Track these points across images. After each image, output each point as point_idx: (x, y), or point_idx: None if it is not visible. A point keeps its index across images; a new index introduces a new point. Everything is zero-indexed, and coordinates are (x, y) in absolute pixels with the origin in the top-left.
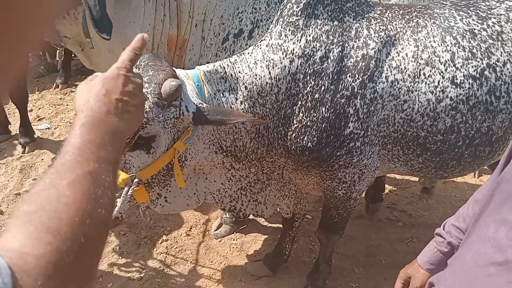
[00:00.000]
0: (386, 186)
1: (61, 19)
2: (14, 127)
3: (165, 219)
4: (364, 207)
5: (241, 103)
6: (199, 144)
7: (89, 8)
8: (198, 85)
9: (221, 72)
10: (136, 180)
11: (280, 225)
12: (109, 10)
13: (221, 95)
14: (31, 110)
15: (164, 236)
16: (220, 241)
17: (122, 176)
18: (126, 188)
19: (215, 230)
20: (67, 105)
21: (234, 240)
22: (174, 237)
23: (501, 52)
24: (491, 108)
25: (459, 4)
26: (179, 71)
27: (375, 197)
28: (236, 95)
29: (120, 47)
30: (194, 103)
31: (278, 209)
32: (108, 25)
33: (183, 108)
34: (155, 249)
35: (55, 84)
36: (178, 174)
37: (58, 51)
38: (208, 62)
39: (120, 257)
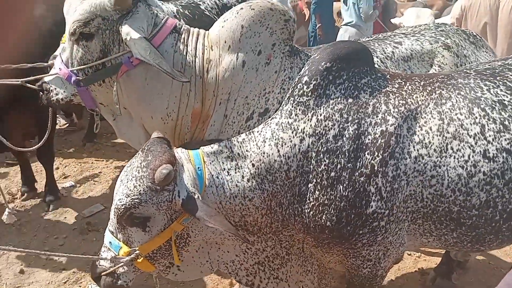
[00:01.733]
0: (413, 252)
1: (98, 86)
2: (40, 184)
3: (182, 284)
4: (431, 278)
5: (248, 180)
6: (202, 223)
7: (159, 67)
8: (199, 167)
9: (226, 152)
10: (135, 254)
11: None
12: (141, 80)
13: (226, 174)
14: (57, 168)
15: None
16: None
17: (124, 249)
18: (128, 259)
19: None
20: (92, 163)
21: None
22: None
23: None
24: None
25: (484, 73)
26: (181, 154)
27: (447, 273)
28: (243, 173)
29: (148, 116)
30: (186, 191)
31: (302, 286)
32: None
33: (176, 193)
34: None
35: (82, 143)
36: (174, 253)
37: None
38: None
39: None
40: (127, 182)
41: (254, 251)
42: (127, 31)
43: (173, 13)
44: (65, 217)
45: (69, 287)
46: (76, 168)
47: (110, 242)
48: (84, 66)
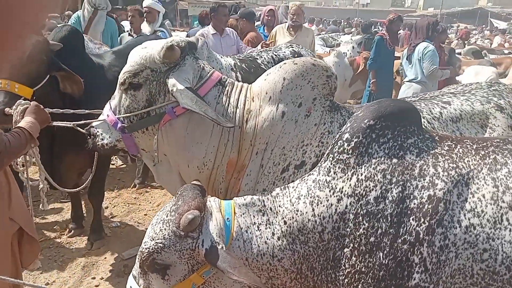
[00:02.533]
0: None
1: (141, 133)
2: (88, 223)
3: None
4: None
5: (279, 238)
6: (226, 279)
7: (205, 114)
8: (228, 218)
9: (259, 205)
10: None
11: None
12: (182, 130)
13: (256, 229)
14: (107, 207)
15: None
16: None
17: None
18: None
19: None
20: (139, 204)
21: None
22: None
23: None
24: None
25: None
26: (213, 202)
27: None
28: (274, 230)
29: (186, 164)
30: (211, 240)
31: None
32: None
33: (199, 242)
34: None
35: (132, 184)
36: None
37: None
38: (264, 190)
39: None
40: (155, 225)
41: None
42: (173, 83)
43: (231, 66)
44: (105, 258)
45: None
46: (124, 208)
47: (130, 287)
48: (130, 114)
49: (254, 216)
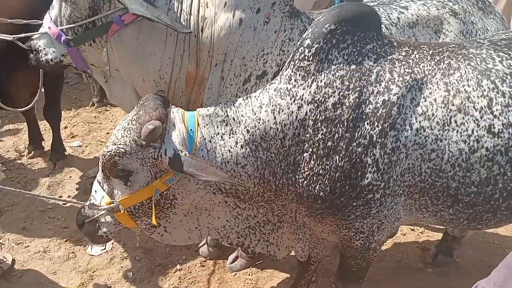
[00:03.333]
0: (417, 227)
1: (88, 46)
2: (47, 143)
3: (182, 249)
4: (431, 255)
5: (242, 147)
6: (190, 185)
7: (158, 20)
8: (191, 129)
9: (222, 116)
10: (114, 205)
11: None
12: (132, 41)
13: (220, 139)
14: (66, 127)
15: (178, 265)
16: (235, 275)
17: (106, 199)
18: (107, 208)
19: (231, 263)
20: (100, 123)
21: (249, 275)
22: (189, 267)
23: None
24: None
25: (499, 43)
26: (176, 113)
27: (448, 249)
28: (237, 138)
29: (140, 78)
30: (173, 149)
31: (293, 252)
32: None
33: (162, 151)
34: (167, 279)
35: (91, 102)
36: (153, 212)
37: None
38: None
39: (132, 284)
40: (117, 131)
41: (245, 216)
42: None
43: None
44: (70, 177)
45: (70, 245)
46: (84, 128)
47: (95, 191)
48: (74, 24)
49: (217, 127)
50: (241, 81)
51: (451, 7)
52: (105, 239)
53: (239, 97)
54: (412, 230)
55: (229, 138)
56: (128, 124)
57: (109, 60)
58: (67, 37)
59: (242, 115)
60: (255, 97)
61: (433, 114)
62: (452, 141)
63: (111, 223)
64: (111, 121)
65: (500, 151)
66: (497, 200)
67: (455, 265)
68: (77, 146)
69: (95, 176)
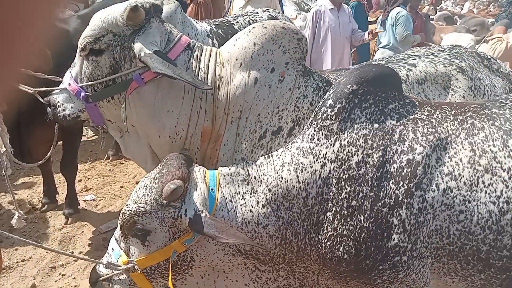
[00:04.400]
0: None
1: (106, 103)
2: (62, 197)
3: None
4: None
5: (263, 206)
6: (209, 246)
7: (180, 77)
8: (212, 188)
9: (243, 174)
10: (131, 265)
11: None
12: (151, 98)
13: (241, 198)
14: (80, 180)
15: None
16: None
17: (123, 258)
18: (123, 268)
19: None
20: (114, 176)
21: None
22: None
23: None
24: None
25: None
26: (198, 173)
27: None
28: (258, 198)
29: (156, 134)
30: (194, 210)
31: None
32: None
33: (182, 212)
34: None
35: (106, 156)
36: (170, 273)
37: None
38: (242, 158)
39: None
40: (139, 190)
41: (264, 280)
42: (140, 47)
43: (207, 31)
44: (83, 231)
45: None
46: (99, 181)
47: (112, 249)
48: (94, 82)
49: (238, 186)
50: (257, 137)
51: (457, 64)
52: None
53: (255, 153)
54: None
55: (250, 197)
56: (150, 183)
57: (127, 116)
58: (86, 93)
59: (263, 174)
60: (277, 156)
61: (459, 174)
62: (480, 202)
63: (125, 283)
64: (126, 174)
65: None
66: None
67: None
68: (91, 200)
69: (108, 232)
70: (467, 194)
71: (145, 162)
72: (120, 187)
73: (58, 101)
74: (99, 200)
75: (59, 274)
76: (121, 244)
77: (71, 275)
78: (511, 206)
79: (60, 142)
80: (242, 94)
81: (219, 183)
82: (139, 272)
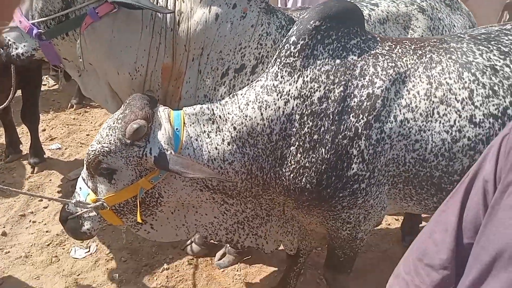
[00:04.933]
0: (401, 217)
1: (61, 40)
2: (26, 146)
3: (168, 248)
4: (401, 239)
5: (228, 144)
6: (176, 182)
7: (139, 4)
8: (177, 128)
9: (208, 114)
10: (100, 203)
11: None
12: (107, 33)
13: (206, 137)
14: (44, 130)
15: (165, 264)
16: (223, 271)
17: (91, 196)
18: (92, 206)
19: (218, 260)
20: (80, 125)
21: (237, 271)
22: (176, 265)
23: None
24: None
25: (478, 37)
26: (162, 113)
27: (412, 230)
28: (224, 136)
29: (115, 71)
30: (159, 148)
31: (281, 245)
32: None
33: (147, 150)
34: (155, 278)
35: (69, 104)
36: (138, 210)
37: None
38: (205, 96)
39: (118, 286)
40: (102, 130)
41: (233, 212)
42: None
43: None
44: (50, 180)
45: (52, 249)
46: (63, 130)
47: (80, 188)
48: (46, 18)
49: (204, 125)
50: (219, 74)
51: (419, 4)
52: (88, 235)
53: (218, 90)
54: (396, 220)
55: (216, 135)
56: (113, 123)
57: (83, 54)
58: (39, 30)
59: (228, 113)
60: (241, 94)
61: (416, 106)
62: (435, 132)
63: (95, 219)
64: (91, 122)
65: (481, 140)
66: None
67: None
68: (57, 149)
69: (76, 179)
70: (423, 125)
71: (105, 101)
72: (86, 135)
73: (9, 40)
74: (65, 149)
75: (30, 221)
76: (89, 183)
77: (42, 221)
78: (462, 134)
79: (20, 92)
80: (203, 30)
81: (184, 123)
82: (108, 209)
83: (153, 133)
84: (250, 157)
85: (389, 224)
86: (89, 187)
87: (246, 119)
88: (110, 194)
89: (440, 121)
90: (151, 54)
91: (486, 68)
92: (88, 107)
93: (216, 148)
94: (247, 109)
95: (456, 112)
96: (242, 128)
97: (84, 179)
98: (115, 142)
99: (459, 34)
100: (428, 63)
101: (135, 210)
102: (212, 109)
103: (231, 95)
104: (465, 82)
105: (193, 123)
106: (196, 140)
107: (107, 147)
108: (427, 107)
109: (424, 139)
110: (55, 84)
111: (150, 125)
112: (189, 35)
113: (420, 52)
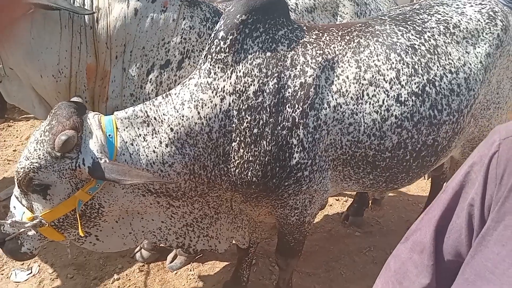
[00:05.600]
0: (341, 197)
1: None
2: None
3: (116, 257)
4: (343, 216)
5: (167, 146)
6: (116, 190)
7: (56, 5)
8: (110, 134)
9: (142, 116)
10: (37, 220)
11: None
12: (25, 35)
13: (142, 140)
14: None
15: (115, 275)
16: (176, 273)
17: (27, 214)
18: (30, 225)
19: (170, 263)
20: (4, 141)
21: (190, 270)
22: (127, 274)
23: (438, 66)
24: (435, 122)
25: (397, 19)
26: (92, 120)
27: (357, 211)
28: (161, 138)
29: (38, 74)
30: (92, 157)
31: (234, 241)
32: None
33: (80, 161)
34: None
35: None
36: (79, 223)
37: None
38: (131, 94)
39: None
40: (29, 145)
41: (180, 214)
42: None
43: None
44: None
45: None
46: None
47: (14, 207)
48: None
49: (138, 128)
50: (144, 71)
51: None
52: (30, 255)
53: (144, 88)
54: (337, 200)
55: (152, 138)
56: (40, 136)
57: (2, 59)
58: None
59: (163, 114)
60: (175, 94)
61: (347, 91)
62: (366, 113)
63: (34, 238)
64: (17, 137)
65: (406, 117)
66: (408, 161)
67: (378, 225)
68: None
69: (8, 198)
70: (354, 108)
71: (32, 106)
72: (13, 151)
73: None
74: None
75: None
76: (23, 201)
77: None
78: (390, 113)
79: None
80: (122, 26)
81: (117, 128)
82: (47, 225)
83: (84, 142)
84: (191, 157)
85: (330, 205)
86: (23, 205)
87: (183, 120)
88: (47, 210)
89: (370, 102)
90: (73, 55)
91: (408, 48)
92: (11, 120)
93: (154, 151)
94: (183, 109)
95: (384, 92)
96: (180, 128)
97: (17, 197)
98: (45, 157)
99: (380, 16)
100: (356, 47)
101: (76, 224)
102: (146, 111)
103: (164, 95)
104: (393, 62)
105: (126, 127)
106: (132, 144)
107: (36, 162)
108: (357, 90)
109: (357, 122)
110: None
111: (80, 135)
112: (109, 32)
113: (348, 38)
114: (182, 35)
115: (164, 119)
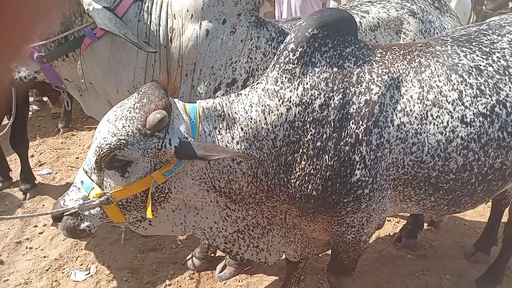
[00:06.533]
0: (392, 218)
1: (61, 61)
2: (15, 173)
3: (168, 264)
4: (395, 238)
5: (238, 143)
6: (186, 179)
7: (125, 37)
8: (193, 121)
9: (219, 110)
10: (105, 197)
11: None
12: (105, 53)
13: (217, 133)
14: (32, 156)
15: (167, 280)
16: (225, 283)
17: (96, 190)
18: (98, 202)
19: (219, 273)
20: (68, 149)
21: (239, 282)
22: (178, 281)
23: (510, 87)
24: (504, 144)
25: (460, 39)
26: (180, 104)
27: (411, 233)
28: (233, 134)
29: (114, 89)
30: (179, 138)
31: (284, 256)
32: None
33: (166, 141)
34: None
35: (56, 129)
36: (149, 204)
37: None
38: None
39: None
40: (115, 121)
41: (234, 219)
42: (89, 2)
43: None
44: (43, 205)
45: (52, 274)
46: (52, 154)
47: (82, 181)
48: (46, 41)
49: (215, 121)
50: (211, 89)
51: (409, 7)
52: (87, 233)
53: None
54: (388, 221)
55: (226, 133)
56: (130, 113)
57: (84, 74)
58: (40, 53)
59: (235, 112)
60: (245, 95)
61: (411, 110)
62: (430, 134)
63: (96, 216)
64: (79, 145)
65: (473, 138)
66: (473, 184)
67: (432, 249)
68: (47, 174)
69: None
70: (418, 127)
71: None
72: (76, 158)
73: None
74: (55, 173)
75: (26, 248)
76: (93, 176)
77: (38, 247)
78: (455, 135)
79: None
80: (194, 46)
81: (199, 116)
82: (113, 204)
83: (172, 124)
84: (256, 160)
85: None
86: (93, 181)
87: (251, 122)
88: (119, 188)
89: (434, 123)
90: (148, 72)
91: (471, 69)
92: (75, 130)
93: (226, 145)
94: (252, 111)
95: (448, 113)
96: (248, 130)
97: (86, 172)
98: (134, 133)
99: (441, 37)
100: (417, 67)
101: (141, 206)
102: (222, 106)
103: (236, 93)
104: (454, 84)
105: (206, 118)
106: (209, 135)
107: (124, 139)
108: (421, 110)
109: (420, 142)
110: (39, 110)
111: (170, 116)
112: (181, 51)
113: (409, 57)
114: (249, 55)
115: (236, 118)
